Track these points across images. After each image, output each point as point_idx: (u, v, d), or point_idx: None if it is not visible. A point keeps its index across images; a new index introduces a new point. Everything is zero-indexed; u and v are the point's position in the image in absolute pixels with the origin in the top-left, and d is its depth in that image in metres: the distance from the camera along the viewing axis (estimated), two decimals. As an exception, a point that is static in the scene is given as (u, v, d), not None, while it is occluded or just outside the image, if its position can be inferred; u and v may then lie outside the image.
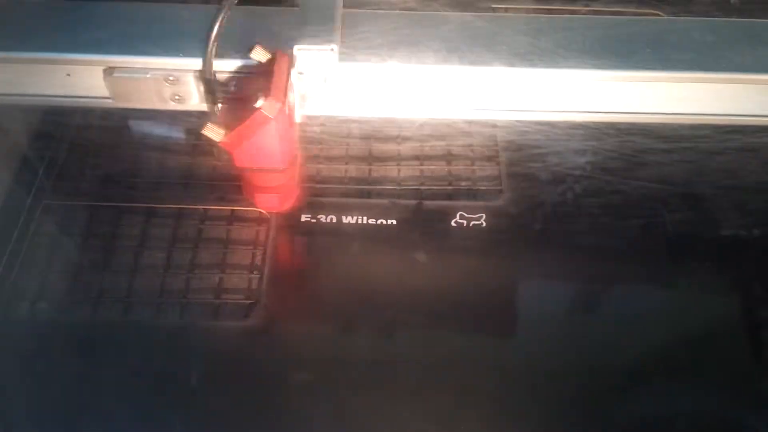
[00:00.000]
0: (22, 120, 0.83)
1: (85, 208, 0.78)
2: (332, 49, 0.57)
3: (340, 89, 0.61)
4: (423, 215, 0.78)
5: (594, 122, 0.68)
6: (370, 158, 0.83)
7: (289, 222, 0.77)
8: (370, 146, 0.84)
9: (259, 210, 0.78)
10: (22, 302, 0.71)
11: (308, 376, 0.67)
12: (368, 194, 0.80)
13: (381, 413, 0.65)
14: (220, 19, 0.54)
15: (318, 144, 0.84)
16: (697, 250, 0.76)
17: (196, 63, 0.58)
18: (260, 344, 0.69)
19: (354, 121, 0.83)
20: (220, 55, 0.57)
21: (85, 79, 0.62)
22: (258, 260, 0.74)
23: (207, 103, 0.59)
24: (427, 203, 0.79)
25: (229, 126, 0.57)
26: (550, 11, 0.64)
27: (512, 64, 0.60)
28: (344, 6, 0.62)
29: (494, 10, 0.85)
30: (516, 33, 0.62)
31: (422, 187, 0.81)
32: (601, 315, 0.74)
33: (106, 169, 0.81)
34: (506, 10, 0.84)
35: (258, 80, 0.58)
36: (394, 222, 0.77)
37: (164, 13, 0.64)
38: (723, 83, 0.62)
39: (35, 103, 0.66)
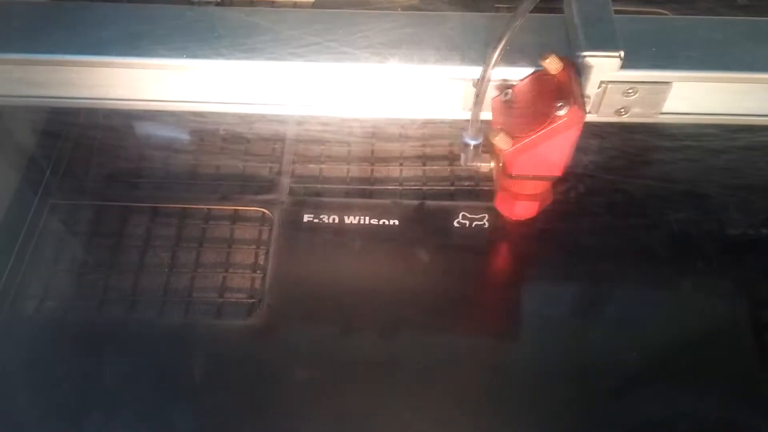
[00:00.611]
0: (28, 121, 0.84)
1: (91, 207, 0.79)
2: (620, 56, 0.57)
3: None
4: (425, 215, 0.78)
5: (597, 122, 0.67)
6: (373, 158, 0.84)
7: (292, 222, 0.77)
8: (373, 146, 0.84)
9: (261, 210, 0.78)
10: (29, 301, 0.72)
11: (310, 375, 0.67)
12: (370, 194, 0.80)
13: (382, 413, 0.65)
14: (513, 27, 0.54)
15: (320, 143, 0.85)
16: (706, 249, 0.76)
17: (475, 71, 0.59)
18: (263, 343, 0.69)
19: (355, 121, 0.83)
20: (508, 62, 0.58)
21: (91, 80, 0.63)
22: (261, 260, 0.75)
23: (474, 112, 0.60)
24: (430, 203, 0.79)
25: (518, 134, 0.58)
26: (553, 10, 0.64)
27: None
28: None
29: (497, 9, 0.85)
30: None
31: (424, 187, 0.81)
32: (605, 316, 0.73)
33: (111, 169, 0.82)
34: (509, 10, 0.84)
35: (544, 88, 0.58)
36: (397, 222, 0.77)
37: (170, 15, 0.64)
38: (729, 82, 0.62)
39: (41, 105, 0.67)
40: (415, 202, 0.79)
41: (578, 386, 0.66)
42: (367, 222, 0.77)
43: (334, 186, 0.81)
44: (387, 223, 0.77)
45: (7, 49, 0.62)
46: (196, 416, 0.65)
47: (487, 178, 0.80)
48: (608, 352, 0.69)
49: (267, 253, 0.75)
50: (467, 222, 0.77)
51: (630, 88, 0.60)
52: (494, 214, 0.76)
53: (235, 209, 0.79)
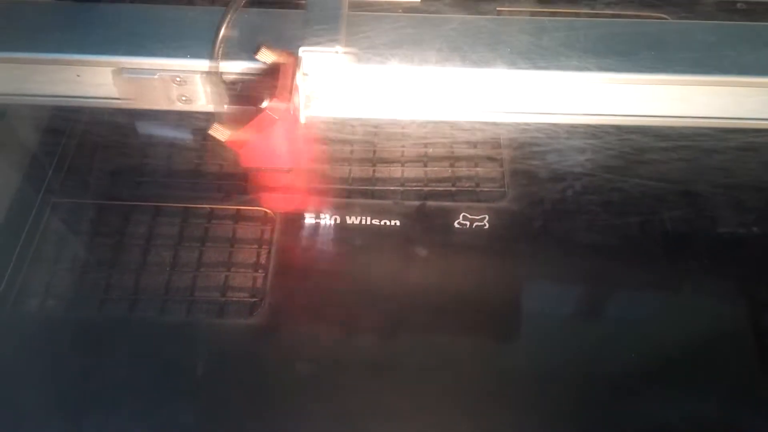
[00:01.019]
0: (31, 119, 0.84)
1: (93, 206, 0.79)
2: (337, 51, 0.57)
3: (345, 91, 0.62)
4: (426, 216, 0.78)
5: (597, 123, 0.68)
6: (374, 159, 0.84)
7: (294, 221, 0.78)
8: (374, 147, 0.85)
9: (264, 209, 0.79)
10: (31, 299, 0.72)
11: (311, 373, 0.67)
12: (372, 195, 0.81)
13: (383, 412, 0.65)
14: (226, 20, 0.55)
15: (322, 144, 0.85)
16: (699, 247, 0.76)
17: (203, 64, 0.59)
18: (264, 341, 0.70)
19: (358, 122, 0.83)
20: (227, 56, 0.58)
21: (94, 79, 0.63)
22: (263, 259, 0.75)
23: (214, 103, 0.60)
24: (431, 204, 0.79)
25: (235, 126, 0.57)
26: (554, 14, 0.64)
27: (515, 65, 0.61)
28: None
29: (499, 12, 0.85)
30: (520, 33, 0.62)
31: (425, 188, 0.81)
32: (604, 315, 0.74)
33: (113, 168, 0.82)
34: (510, 13, 0.84)
35: (264, 81, 0.58)
36: (398, 223, 0.77)
37: (172, 15, 0.65)
38: (726, 86, 0.63)
39: (45, 103, 0.67)
40: (416, 203, 0.79)
41: (578, 385, 0.67)
42: (368, 222, 0.77)
43: (336, 186, 0.81)
44: (388, 223, 0.77)
45: (11, 48, 0.62)
46: (199, 414, 0.65)
47: (489, 179, 0.81)
48: (608, 352, 0.69)
49: (269, 252, 0.75)
50: (468, 222, 0.77)
51: None
52: (495, 215, 0.76)
53: (237, 209, 0.79)
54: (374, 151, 0.85)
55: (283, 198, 0.69)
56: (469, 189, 0.81)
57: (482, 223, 0.78)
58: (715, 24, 0.66)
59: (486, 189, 0.81)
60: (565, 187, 0.79)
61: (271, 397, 0.66)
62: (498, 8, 0.85)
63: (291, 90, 0.57)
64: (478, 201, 0.80)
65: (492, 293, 0.75)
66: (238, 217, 0.79)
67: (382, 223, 0.77)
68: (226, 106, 0.59)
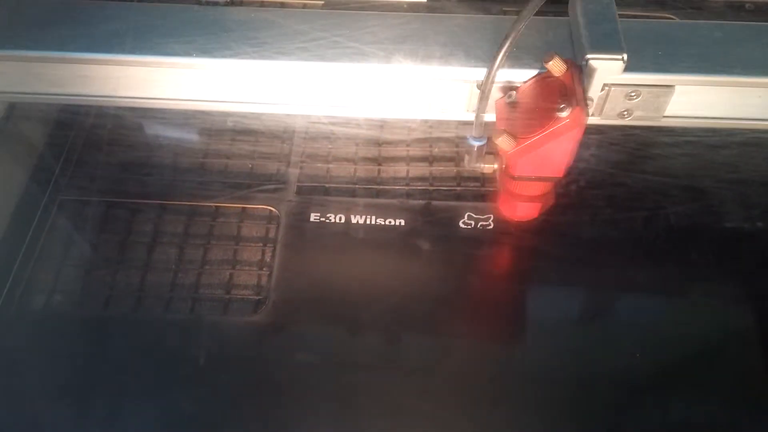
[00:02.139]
0: (39, 117, 0.85)
1: (100, 204, 0.80)
2: (623, 59, 0.57)
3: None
4: (431, 215, 0.78)
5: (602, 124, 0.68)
6: (380, 158, 0.84)
7: (299, 221, 0.78)
8: (380, 146, 0.85)
9: (269, 208, 0.79)
10: (37, 295, 0.73)
11: (315, 371, 0.68)
12: (377, 194, 0.81)
13: (386, 410, 0.65)
14: (516, 29, 0.54)
15: (328, 143, 0.85)
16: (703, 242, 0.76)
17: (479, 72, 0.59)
18: (268, 339, 0.70)
19: (363, 121, 0.83)
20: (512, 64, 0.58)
21: (101, 78, 0.64)
22: (268, 257, 0.75)
23: (478, 113, 0.60)
24: (436, 203, 0.79)
25: (522, 135, 0.58)
26: (559, 13, 0.64)
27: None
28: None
29: (505, 12, 0.85)
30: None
31: (431, 188, 0.81)
32: (610, 314, 0.74)
33: (120, 166, 0.83)
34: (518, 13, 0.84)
35: (548, 90, 0.59)
36: (402, 222, 0.77)
37: (179, 14, 0.65)
38: (733, 86, 0.62)
39: (52, 102, 0.68)
40: (422, 202, 0.79)
41: (585, 383, 0.67)
42: (373, 221, 0.78)
43: (341, 185, 0.81)
44: (393, 222, 0.77)
45: (19, 45, 0.63)
46: (203, 411, 0.65)
47: (494, 179, 0.81)
48: (611, 349, 0.69)
49: (274, 250, 0.76)
50: (473, 222, 0.77)
51: (633, 91, 0.60)
52: (500, 215, 0.76)
53: (242, 207, 0.79)
54: (379, 151, 0.85)
55: (538, 207, 0.70)
56: (474, 189, 0.81)
57: (487, 223, 0.77)
58: (723, 24, 0.66)
59: (491, 189, 0.81)
60: (571, 187, 0.79)
61: (275, 395, 0.66)
62: (504, 8, 0.85)
63: (585, 98, 0.57)
64: (483, 201, 0.79)
65: (497, 293, 0.75)
66: (243, 215, 0.79)
67: (387, 222, 0.78)
68: (504, 116, 0.59)
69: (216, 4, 0.77)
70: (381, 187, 0.81)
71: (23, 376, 0.67)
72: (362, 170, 0.83)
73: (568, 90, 0.57)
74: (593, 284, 0.75)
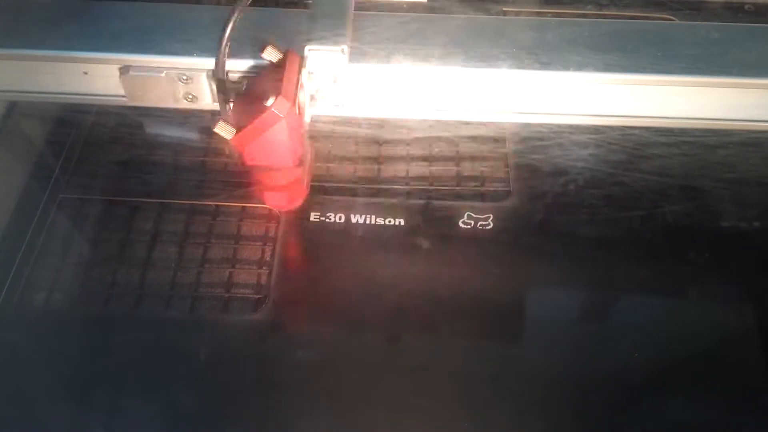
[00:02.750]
0: (39, 116, 0.85)
1: (100, 202, 0.80)
2: (342, 50, 0.58)
3: (349, 89, 0.62)
4: (431, 215, 0.79)
5: (603, 125, 0.68)
6: (379, 158, 0.84)
7: (299, 220, 0.78)
8: (380, 146, 0.85)
9: (269, 207, 0.79)
10: (38, 293, 0.73)
11: (315, 370, 0.68)
12: (377, 193, 0.81)
13: (386, 409, 0.66)
14: (233, 19, 0.55)
15: (327, 143, 0.85)
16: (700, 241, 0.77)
17: (209, 62, 0.59)
18: (268, 338, 0.70)
19: (363, 121, 0.84)
20: (232, 54, 0.58)
21: (101, 77, 0.64)
22: (267, 256, 0.76)
23: (219, 102, 0.60)
24: (435, 203, 0.80)
25: (240, 124, 0.58)
26: (560, 15, 0.65)
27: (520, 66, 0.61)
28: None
29: (505, 13, 0.85)
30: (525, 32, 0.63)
31: (430, 187, 0.81)
32: (609, 314, 0.74)
33: (120, 165, 0.83)
34: (517, 13, 0.85)
35: (269, 80, 0.59)
36: (402, 221, 0.78)
37: (178, 13, 0.65)
38: (732, 87, 0.63)
39: (52, 101, 0.68)
40: (421, 202, 0.80)
41: (583, 383, 0.67)
42: (373, 221, 0.78)
43: (341, 184, 0.82)
44: (392, 222, 0.78)
45: (18, 44, 0.63)
46: (203, 410, 0.66)
47: (494, 179, 0.82)
48: (610, 349, 0.70)
49: (273, 249, 0.76)
50: (472, 222, 0.78)
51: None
52: (500, 215, 0.76)
53: (242, 206, 0.80)
54: (379, 150, 0.85)
55: (287, 196, 0.69)
56: (474, 188, 0.81)
57: (487, 223, 0.78)
58: (723, 25, 0.66)
59: (491, 189, 0.81)
60: (570, 187, 0.79)
61: (274, 393, 0.66)
62: (504, 9, 0.85)
63: (296, 88, 0.57)
64: (483, 200, 0.80)
65: (496, 293, 0.75)
66: (243, 214, 0.79)
67: (387, 221, 0.78)
68: (231, 105, 0.59)
69: (218, 4, 0.77)
70: (381, 186, 0.82)
71: (23, 374, 0.68)
72: (362, 169, 0.83)
73: (283, 81, 0.57)
74: (591, 284, 0.75)
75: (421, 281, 0.74)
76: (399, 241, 0.76)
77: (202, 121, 0.83)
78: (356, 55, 0.60)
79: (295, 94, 0.57)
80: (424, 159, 0.84)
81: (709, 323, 0.72)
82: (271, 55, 0.58)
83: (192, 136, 0.85)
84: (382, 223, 0.78)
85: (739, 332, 0.70)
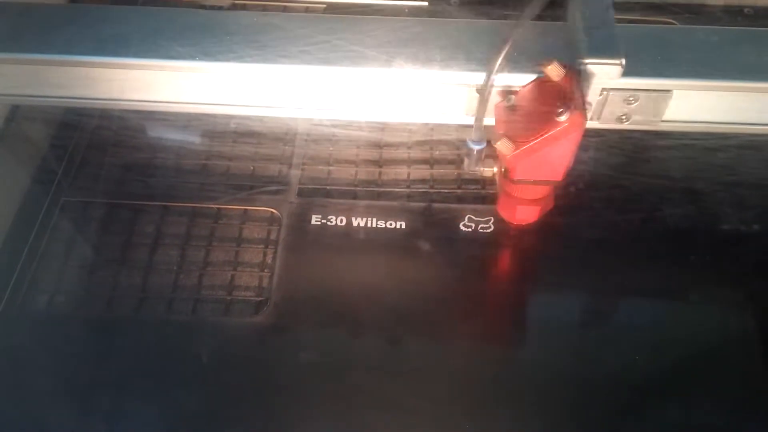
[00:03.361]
0: (42, 120, 0.86)
1: (103, 205, 0.80)
2: (621, 63, 0.57)
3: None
4: (432, 218, 0.79)
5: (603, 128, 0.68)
6: (381, 161, 0.85)
7: (300, 222, 0.78)
8: (381, 149, 0.86)
9: (270, 210, 0.79)
10: (40, 296, 0.74)
11: (316, 372, 0.68)
12: (378, 196, 0.81)
13: (386, 411, 0.66)
14: (516, 32, 0.55)
15: (329, 145, 0.86)
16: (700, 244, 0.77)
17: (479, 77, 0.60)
18: (269, 340, 0.70)
19: (364, 124, 0.84)
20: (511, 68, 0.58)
21: (105, 81, 0.64)
22: (269, 259, 0.76)
23: (477, 118, 0.61)
24: (436, 206, 0.80)
25: (521, 140, 0.58)
26: (558, 18, 0.65)
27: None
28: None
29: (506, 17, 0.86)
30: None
31: (431, 190, 0.82)
32: (609, 317, 0.74)
33: (123, 168, 0.83)
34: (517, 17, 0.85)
35: (545, 94, 0.59)
36: (403, 224, 0.78)
37: (183, 17, 0.66)
38: (732, 91, 0.63)
39: (56, 104, 0.68)
40: (422, 205, 0.80)
41: (579, 387, 0.67)
42: (374, 223, 0.78)
43: (343, 187, 0.82)
44: (393, 224, 0.78)
45: (22, 49, 0.63)
46: (204, 411, 0.66)
47: (493, 182, 0.82)
48: (611, 352, 0.70)
49: (275, 252, 0.76)
50: (473, 225, 0.78)
51: (631, 96, 0.61)
52: (500, 217, 0.77)
53: (244, 209, 0.80)
54: (380, 153, 0.85)
55: (538, 210, 0.70)
56: (475, 191, 0.82)
57: (487, 226, 0.78)
58: (722, 29, 0.66)
59: (492, 192, 0.81)
60: (570, 190, 0.79)
61: (276, 395, 0.66)
62: (505, 13, 0.85)
63: (584, 103, 0.58)
64: (484, 203, 0.80)
65: (497, 295, 0.75)
66: (245, 217, 0.80)
67: (388, 224, 0.78)
68: (503, 120, 0.59)
69: (220, 8, 0.78)
70: (382, 189, 0.82)
71: (26, 377, 0.68)
72: (363, 172, 0.84)
73: (567, 94, 0.57)
74: (591, 287, 0.75)
75: (421, 284, 0.74)
76: (400, 244, 0.77)
77: (202, 124, 0.83)
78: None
79: (585, 109, 0.58)
80: (425, 162, 0.85)
81: (709, 326, 0.72)
82: (555, 71, 0.58)
83: (194, 139, 0.86)
84: (383, 226, 0.78)
85: (740, 334, 0.70)
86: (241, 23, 0.65)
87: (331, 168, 0.84)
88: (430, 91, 0.64)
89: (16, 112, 0.82)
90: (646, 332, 0.71)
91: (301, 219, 0.79)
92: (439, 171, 0.84)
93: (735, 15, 0.92)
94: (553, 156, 0.60)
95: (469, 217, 0.79)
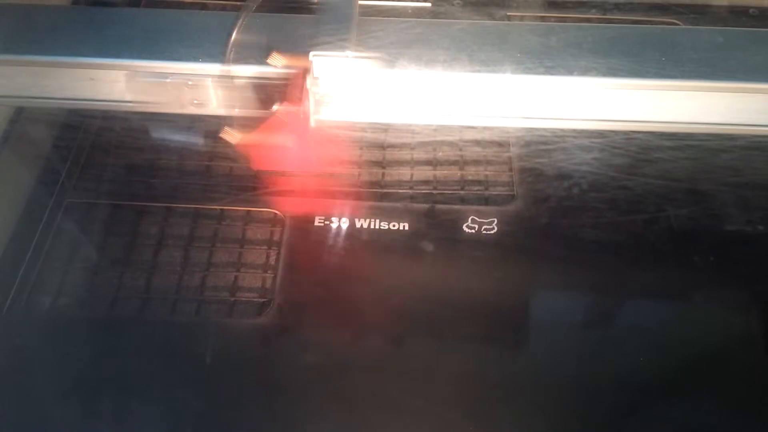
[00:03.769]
0: (45, 121, 0.86)
1: (106, 206, 0.80)
2: (347, 55, 0.58)
3: (355, 95, 0.63)
4: (435, 219, 0.79)
5: (607, 129, 0.68)
6: (384, 162, 0.85)
7: (303, 223, 0.78)
8: (384, 150, 0.85)
9: (274, 211, 0.79)
10: (44, 297, 0.74)
11: (320, 373, 0.68)
12: (381, 197, 0.81)
13: (390, 413, 0.66)
14: (238, 24, 0.56)
15: (331, 147, 0.85)
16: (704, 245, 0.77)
17: (215, 68, 0.60)
18: (273, 341, 0.70)
19: (368, 125, 0.84)
20: (239, 60, 0.58)
21: (107, 82, 0.64)
22: (272, 260, 0.76)
23: (225, 107, 0.61)
24: (440, 207, 0.80)
25: (247, 130, 0.58)
26: (564, 20, 0.65)
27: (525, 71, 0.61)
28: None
29: (509, 18, 0.86)
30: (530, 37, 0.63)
31: (435, 191, 0.82)
32: (614, 318, 0.74)
33: (126, 169, 0.84)
34: (522, 18, 0.85)
35: (275, 86, 0.59)
36: (406, 225, 0.78)
37: (184, 19, 0.66)
38: (736, 92, 0.63)
39: (59, 106, 0.68)
40: (425, 206, 0.80)
41: (583, 389, 0.67)
42: (377, 225, 0.78)
43: (345, 188, 0.82)
44: (397, 226, 0.78)
45: (26, 50, 0.64)
46: (208, 413, 0.66)
47: (498, 183, 0.82)
48: (615, 353, 0.70)
49: (278, 253, 0.76)
50: (476, 226, 0.78)
51: None
52: (504, 219, 0.77)
53: (247, 210, 0.80)
54: (383, 154, 0.85)
55: (293, 201, 0.70)
56: (478, 192, 0.82)
57: (491, 227, 0.78)
58: (727, 29, 0.66)
59: (495, 193, 0.81)
60: (574, 191, 0.79)
61: (279, 397, 0.66)
62: (508, 13, 0.85)
63: (301, 94, 0.58)
64: (487, 205, 0.80)
65: (501, 297, 0.75)
66: (248, 218, 0.80)
67: (391, 225, 0.78)
68: (237, 110, 0.60)
69: (223, 9, 0.78)
70: (385, 190, 0.82)
71: (30, 378, 0.68)
72: (366, 173, 0.84)
73: (289, 87, 0.58)
74: (595, 288, 0.75)
75: (425, 285, 0.74)
76: (403, 245, 0.77)
77: (207, 125, 0.83)
78: (361, 60, 0.60)
79: (301, 100, 0.57)
80: (429, 163, 0.84)
81: (714, 327, 0.72)
82: (276, 61, 0.59)
83: (197, 140, 0.86)
84: (386, 227, 0.78)
85: (745, 335, 0.70)
86: (244, 24, 0.65)
87: (333, 169, 0.84)
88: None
89: (19, 113, 0.82)
90: (652, 334, 0.71)
91: (304, 220, 0.79)
92: (442, 172, 0.83)
93: (740, 15, 0.92)
94: (281, 147, 0.60)
95: (472, 219, 0.78)
